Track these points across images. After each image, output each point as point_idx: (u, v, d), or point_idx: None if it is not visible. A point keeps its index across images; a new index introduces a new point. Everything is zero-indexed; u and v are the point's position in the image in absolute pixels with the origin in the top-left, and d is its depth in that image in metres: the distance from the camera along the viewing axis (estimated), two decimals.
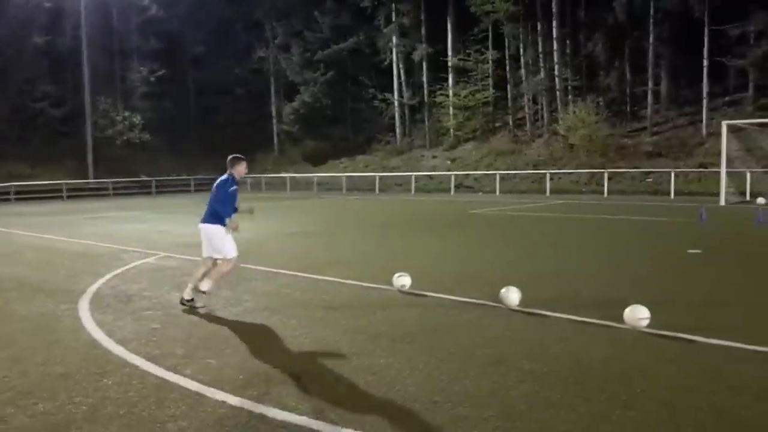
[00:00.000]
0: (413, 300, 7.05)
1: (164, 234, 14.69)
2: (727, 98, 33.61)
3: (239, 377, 4.51)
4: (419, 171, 38.57)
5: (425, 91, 44.78)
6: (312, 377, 4.51)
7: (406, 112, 47.27)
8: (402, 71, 46.57)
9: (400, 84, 46.69)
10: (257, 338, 5.62)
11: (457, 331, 5.69)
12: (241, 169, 7.00)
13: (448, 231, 14.95)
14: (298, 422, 3.69)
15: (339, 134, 48.45)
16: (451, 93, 41.96)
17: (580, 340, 5.33)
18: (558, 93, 38.09)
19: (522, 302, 6.48)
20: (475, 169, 36.58)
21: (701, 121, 32.32)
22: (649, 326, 5.54)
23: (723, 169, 22.06)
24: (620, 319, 5.69)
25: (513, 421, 3.61)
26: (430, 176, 38.06)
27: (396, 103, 46.30)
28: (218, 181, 6.93)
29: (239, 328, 5.94)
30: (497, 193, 31.29)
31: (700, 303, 6.78)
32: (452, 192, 33.36)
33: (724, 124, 22.53)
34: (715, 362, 4.70)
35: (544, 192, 29.78)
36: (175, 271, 9.19)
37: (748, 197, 22.52)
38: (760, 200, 21.38)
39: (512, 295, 6.55)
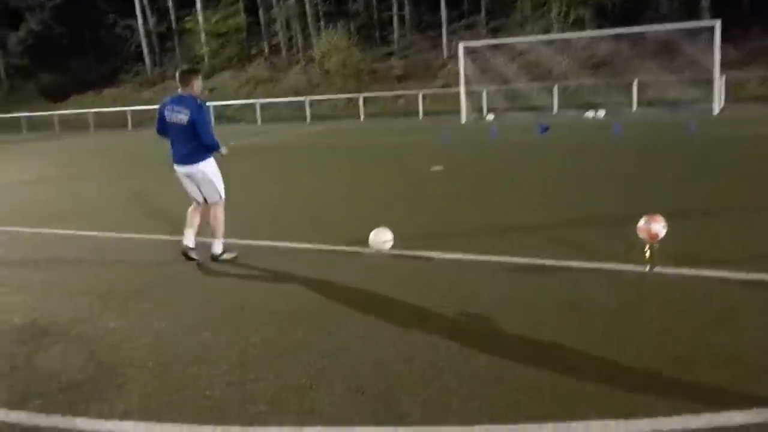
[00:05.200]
0: (152, 248, 6.47)
1: None
2: (462, 22, 36.22)
3: None
4: None
5: (173, 17, 41.69)
6: (20, 356, 3.84)
7: (155, 40, 43.73)
8: None
9: (143, 9, 42.84)
10: None
11: (198, 280, 5.31)
12: (198, 85, 5.63)
13: None
14: None
15: (80, 66, 43.42)
16: (201, 18, 39.60)
17: (325, 272, 5.27)
18: (309, 18, 37.90)
19: (269, 237, 6.28)
20: (235, 99, 35.33)
21: (442, 45, 34.53)
22: (393, 247, 5.64)
23: (462, 89, 23.83)
24: (366, 244, 5.72)
25: (248, 372, 3.40)
26: None
27: (141, 30, 42.54)
28: (184, 104, 5.48)
29: None
30: (259, 122, 30.63)
31: (439, 221, 7.15)
32: (213, 123, 31.93)
33: (461, 46, 24.17)
34: (449, 277, 4.93)
35: (305, 119, 29.82)
36: None
37: (485, 114, 24.73)
38: (490, 117, 23.60)
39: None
